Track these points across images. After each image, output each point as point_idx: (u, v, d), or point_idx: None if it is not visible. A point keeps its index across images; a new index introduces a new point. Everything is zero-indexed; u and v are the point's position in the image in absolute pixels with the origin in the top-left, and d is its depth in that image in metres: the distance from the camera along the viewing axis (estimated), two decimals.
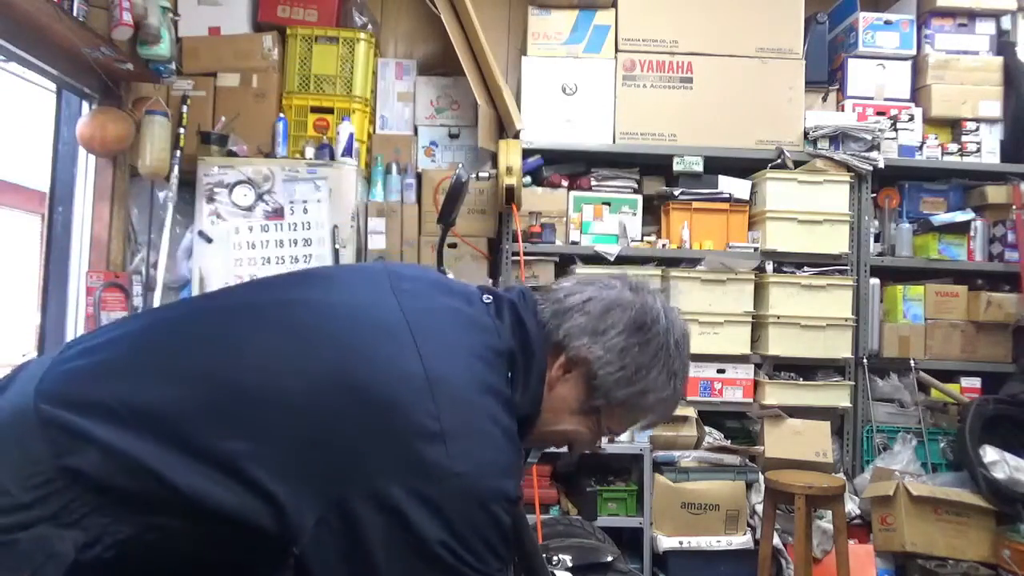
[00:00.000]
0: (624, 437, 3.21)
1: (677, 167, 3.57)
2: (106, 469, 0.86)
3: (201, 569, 0.94)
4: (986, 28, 3.85)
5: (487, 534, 0.86)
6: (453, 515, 0.84)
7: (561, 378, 1.05)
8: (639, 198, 3.66)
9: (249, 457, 0.85)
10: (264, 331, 0.95)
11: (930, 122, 3.80)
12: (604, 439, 1.14)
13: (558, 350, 1.05)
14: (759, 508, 3.23)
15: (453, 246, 3.51)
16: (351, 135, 3.45)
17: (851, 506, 3.34)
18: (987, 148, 3.77)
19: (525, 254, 3.41)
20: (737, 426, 3.64)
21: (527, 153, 3.49)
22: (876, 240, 3.73)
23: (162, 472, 0.85)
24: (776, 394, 3.45)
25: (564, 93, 3.59)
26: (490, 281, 3.54)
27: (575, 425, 1.07)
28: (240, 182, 3.26)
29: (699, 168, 3.57)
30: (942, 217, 3.70)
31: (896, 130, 3.72)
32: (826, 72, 3.79)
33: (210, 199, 3.26)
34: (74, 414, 0.88)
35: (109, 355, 0.96)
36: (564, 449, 1.13)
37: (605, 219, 3.59)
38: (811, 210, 3.53)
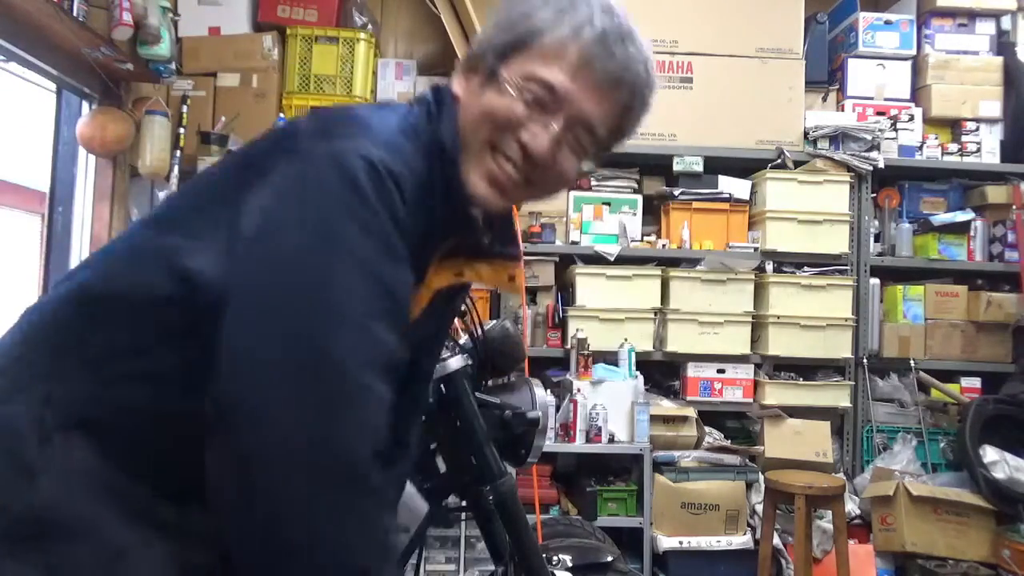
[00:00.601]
0: (624, 436, 3.21)
1: (677, 167, 3.57)
2: (56, 315, 0.89)
3: (182, 447, 0.85)
4: (986, 28, 3.85)
5: (335, 189, 0.83)
6: (308, 167, 0.85)
7: (464, 81, 1.04)
8: (639, 198, 3.66)
9: (177, 235, 0.89)
10: None
11: (930, 122, 3.80)
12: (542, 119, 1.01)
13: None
14: (759, 508, 3.23)
15: None
16: None
17: (851, 506, 3.34)
18: (987, 148, 3.77)
19: (525, 254, 3.40)
20: (737, 426, 3.64)
21: None
22: (876, 240, 3.73)
23: (102, 291, 0.88)
24: (776, 394, 3.45)
25: None
26: None
27: (486, 99, 1.00)
28: None
29: (699, 168, 3.57)
30: (942, 217, 3.70)
31: (896, 130, 3.72)
32: (826, 72, 3.79)
33: None
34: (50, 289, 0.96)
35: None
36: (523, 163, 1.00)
37: (605, 219, 3.59)
38: (811, 210, 3.53)
